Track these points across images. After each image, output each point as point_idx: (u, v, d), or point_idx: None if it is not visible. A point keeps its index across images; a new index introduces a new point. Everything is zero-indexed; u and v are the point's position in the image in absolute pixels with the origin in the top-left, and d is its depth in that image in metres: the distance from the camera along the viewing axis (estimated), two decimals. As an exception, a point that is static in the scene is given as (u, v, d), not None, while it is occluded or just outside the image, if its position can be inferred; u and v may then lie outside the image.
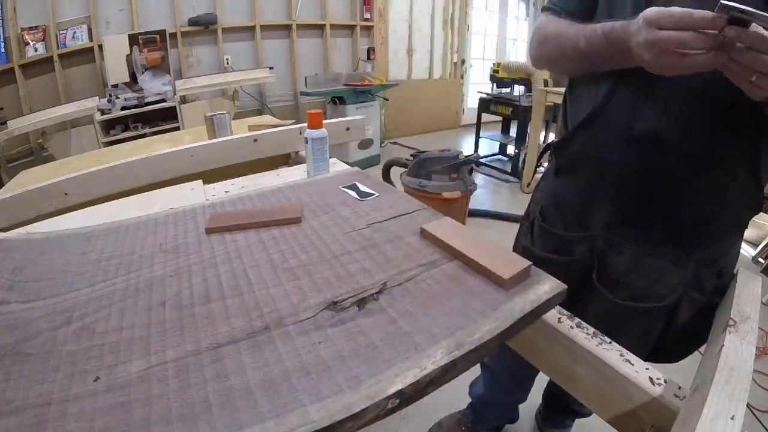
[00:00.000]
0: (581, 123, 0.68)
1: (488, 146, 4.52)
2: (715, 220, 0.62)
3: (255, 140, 1.12)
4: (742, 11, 0.40)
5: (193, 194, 0.83)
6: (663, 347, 0.68)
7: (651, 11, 0.48)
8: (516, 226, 0.94)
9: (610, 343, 0.48)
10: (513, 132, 4.06)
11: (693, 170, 0.59)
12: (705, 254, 0.64)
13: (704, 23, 0.44)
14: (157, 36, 3.15)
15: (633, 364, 0.45)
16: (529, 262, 0.50)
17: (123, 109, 2.95)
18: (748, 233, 2.64)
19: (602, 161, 0.67)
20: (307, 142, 0.90)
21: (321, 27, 4.22)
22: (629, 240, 0.67)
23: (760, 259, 2.41)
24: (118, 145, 2.03)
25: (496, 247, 0.54)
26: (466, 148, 4.64)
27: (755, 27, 0.41)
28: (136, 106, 2.99)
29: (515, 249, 0.89)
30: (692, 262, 0.64)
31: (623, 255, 0.67)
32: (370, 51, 4.46)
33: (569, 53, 0.65)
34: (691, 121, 0.57)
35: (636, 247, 0.67)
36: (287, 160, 1.25)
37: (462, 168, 2.07)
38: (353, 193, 0.78)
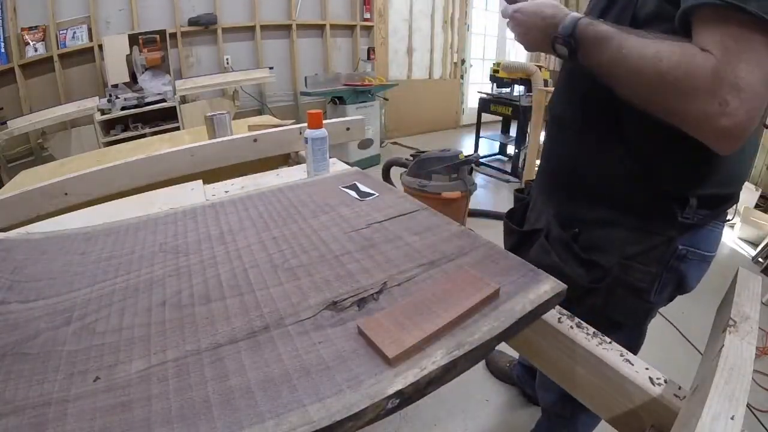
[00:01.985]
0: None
1: (488, 146, 4.52)
2: (573, 177, 0.72)
3: (255, 140, 1.12)
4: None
5: (193, 194, 0.83)
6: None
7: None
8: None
9: (610, 343, 0.48)
10: (513, 132, 4.05)
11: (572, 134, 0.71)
12: (560, 208, 0.75)
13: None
14: (157, 36, 3.15)
15: (633, 364, 0.45)
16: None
17: (123, 109, 2.95)
18: (747, 233, 2.65)
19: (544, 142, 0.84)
20: (307, 142, 0.90)
21: (321, 27, 4.22)
22: (537, 187, 0.86)
23: (759, 259, 2.41)
24: (118, 145, 2.03)
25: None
26: (466, 148, 4.64)
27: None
28: (136, 106, 2.99)
29: None
30: (551, 209, 0.77)
31: (532, 198, 0.87)
32: (370, 51, 4.46)
33: None
34: (570, 99, 0.72)
35: (536, 192, 0.85)
36: (287, 160, 1.25)
37: (462, 168, 2.07)
38: (353, 193, 0.78)
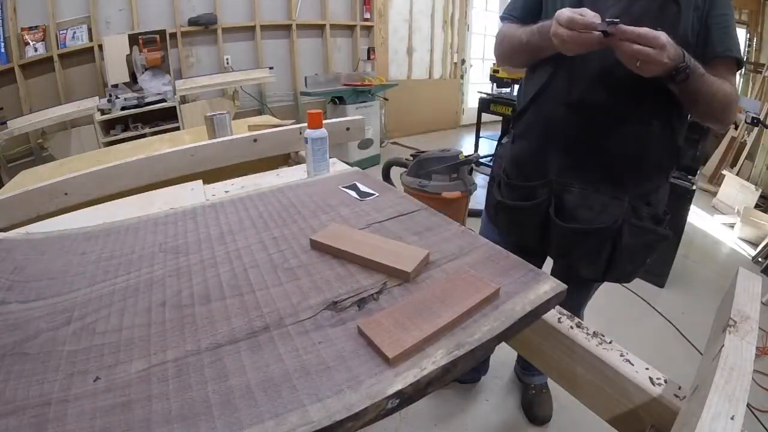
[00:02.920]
0: (532, 98, 0.91)
1: (488, 146, 4.51)
2: (639, 161, 0.84)
3: (255, 140, 1.12)
4: (612, 21, 0.66)
5: (193, 194, 0.83)
6: (613, 266, 0.87)
7: (560, 12, 0.71)
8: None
9: (610, 342, 0.48)
10: (513, 132, 4.04)
11: (615, 122, 0.82)
12: (637, 190, 0.85)
13: (582, 24, 0.68)
14: (157, 36, 3.15)
15: (633, 364, 0.45)
16: (427, 252, 0.54)
17: (123, 109, 2.95)
18: (747, 233, 2.65)
19: (549, 124, 0.89)
20: (307, 142, 0.90)
21: (321, 27, 4.22)
22: (577, 181, 0.87)
23: (759, 259, 2.41)
24: (118, 145, 2.03)
25: (392, 244, 0.56)
26: (466, 148, 4.64)
27: (621, 26, 0.66)
28: (136, 106, 2.99)
29: (488, 202, 1.09)
30: (628, 195, 0.84)
31: (572, 193, 0.88)
32: (370, 51, 4.46)
33: (517, 48, 0.88)
34: (608, 88, 0.80)
35: (582, 186, 0.87)
36: (287, 160, 1.25)
37: (462, 168, 2.07)
38: (353, 193, 0.78)
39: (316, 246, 0.58)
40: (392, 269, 0.51)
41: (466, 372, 1.36)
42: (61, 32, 2.99)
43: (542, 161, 0.91)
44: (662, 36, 0.65)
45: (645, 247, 0.86)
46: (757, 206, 2.88)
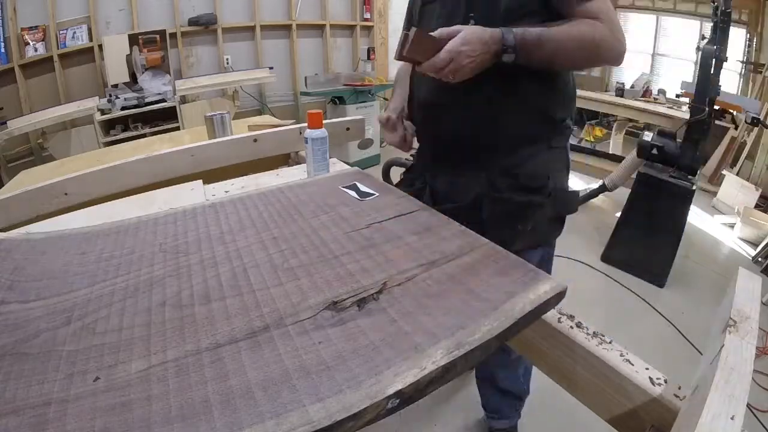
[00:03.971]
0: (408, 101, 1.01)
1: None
2: (491, 139, 0.87)
3: (255, 140, 1.12)
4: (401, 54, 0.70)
5: (193, 194, 0.83)
6: (487, 235, 0.82)
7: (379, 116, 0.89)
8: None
9: (610, 342, 0.48)
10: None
11: (448, 112, 0.87)
12: (496, 165, 0.88)
13: (389, 126, 0.93)
14: (157, 36, 3.15)
15: (633, 364, 0.45)
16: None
17: (123, 109, 2.95)
18: (747, 233, 2.65)
19: (416, 125, 0.97)
20: (307, 143, 0.90)
21: (321, 27, 4.22)
22: (442, 169, 0.96)
23: (759, 259, 2.41)
24: (118, 145, 2.03)
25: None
26: (466, 148, 4.63)
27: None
28: (136, 106, 2.99)
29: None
30: (485, 171, 0.88)
31: (439, 180, 0.97)
32: (370, 51, 4.46)
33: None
34: (437, 84, 0.81)
35: (448, 173, 0.95)
36: (287, 160, 1.25)
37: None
38: (353, 193, 0.78)
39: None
40: None
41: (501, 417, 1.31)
42: (61, 32, 2.99)
43: (421, 156, 1.04)
44: (454, 43, 0.69)
45: (510, 215, 0.87)
46: (757, 206, 2.88)
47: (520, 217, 0.88)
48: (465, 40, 0.69)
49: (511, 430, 1.33)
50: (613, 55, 0.79)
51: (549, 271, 1.16)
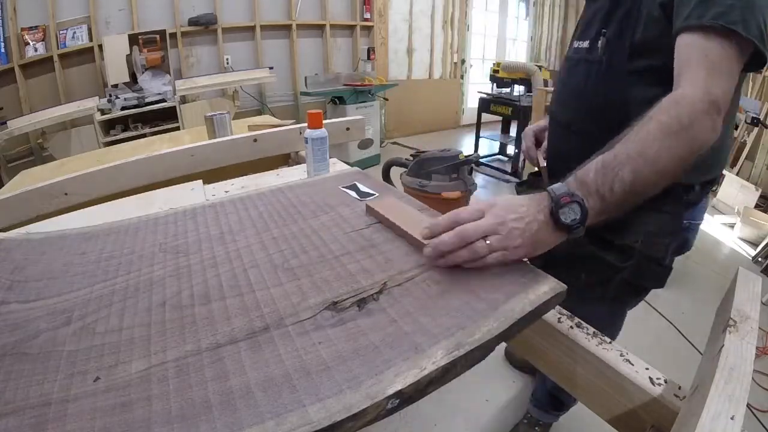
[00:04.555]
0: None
1: (488, 146, 4.52)
2: None
3: (255, 140, 1.12)
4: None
5: (193, 194, 0.83)
6: (549, 269, 0.66)
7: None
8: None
9: (610, 342, 0.48)
10: (513, 132, 4.06)
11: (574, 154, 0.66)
12: None
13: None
14: (157, 36, 3.15)
15: (633, 364, 0.45)
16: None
17: (123, 109, 2.95)
18: (747, 233, 2.65)
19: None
20: (307, 143, 0.90)
21: (321, 27, 4.22)
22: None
23: (759, 259, 2.41)
24: (118, 145, 2.03)
25: (428, 219, 0.61)
26: (466, 148, 4.64)
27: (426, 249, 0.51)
28: (136, 106, 2.99)
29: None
30: None
31: None
32: (370, 51, 4.46)
33: None
34: (571, 104, 0.79)
35: None
36: (287, 160, 1.25)
37: (462, 168, 2.07)
38: (353, 193, 0.78)
39: (370, 212, 0.68)
40: (413, 239, 0.57)
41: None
42: (61, 32, 2.99)
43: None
44: (470, 222, 0.49)
45: (575, 260, 0.73)
46: (757, 206, 2.88)
47: (585, 268, 0.76)
48: (497, 208, 0.50)
49: (542, 425, 1.34)
50: (711, 137, 0.54)
51: (615, 331, 1.09)
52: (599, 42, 0.71)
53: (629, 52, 0.66)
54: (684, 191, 0.74)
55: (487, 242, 0.49)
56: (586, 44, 0.75)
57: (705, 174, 0.75)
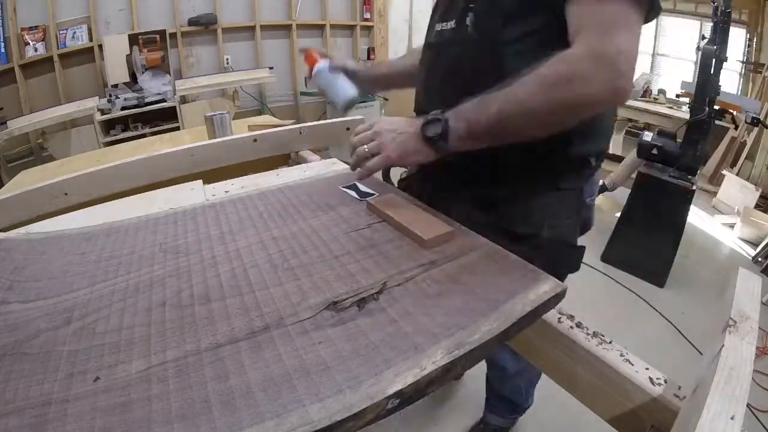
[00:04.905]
0: None
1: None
2: (472, 163, 0.68)
3: (255, 140, 1.12)
4: None
5: (193, 194, 0.83)
6: None
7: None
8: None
9: (610, 342, 0.48)
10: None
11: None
12: (477, 194, 0.74)
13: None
14: (157, 36, 3.15)
15: (633, 364, 0.45)
16: (452, 228, 0.59)
17: (123, 109, 2.95)
18: (747, 233, 2.65)
19: None
20: (320, 77, 0.94)
21: (321, 27, 4.22)
22: (430, 183, 0.83)
23: (759, 259, 2.41)
24: (118, 145, 2.03)
25: (429, 216, 0.64)
26: (466, 148, 4.64)
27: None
28: (136, 106, 2.99)
29: None
30: (461, 201, 0.74)
31: (427, 195, 0.82)
32: (370, 51, 4.46)
33: None
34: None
35: (431, 189, 0.81)
36: (287, 160, 1.25)
37: (462, 168, 2.06)
38: (353, 193, 0.77)
39: (372, 209, 0.69)
40: (414, 234, 0.59)
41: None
42: (61, 32, 2.99)
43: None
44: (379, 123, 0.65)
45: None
46: (757, 206, 2.88)
47: None
48: (382, 125, 0.65)
49: (502, 430, 1.33)
50: (597, 91, 0.54)
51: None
52: (467, 19, 0.67)
53: (502, 21, 0.63)
54: (580, 164, 0.73)
55: (366, 149, 0.65)
56: (452, 24, 0.70)
57: (597, 142, 0.73)
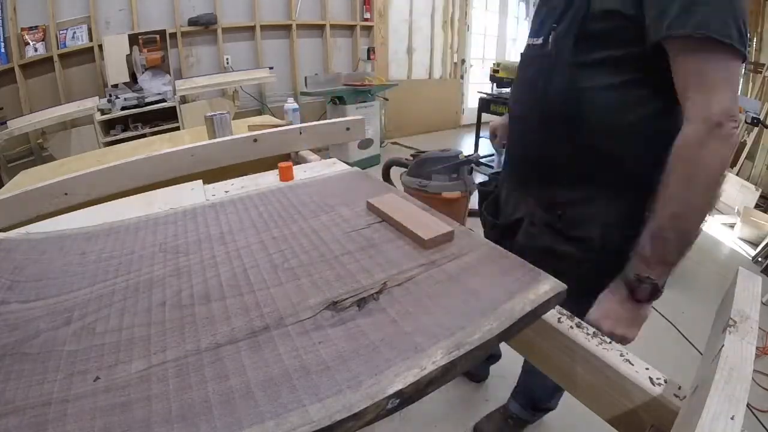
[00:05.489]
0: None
1: (488, 146, 4.51)
2: (545, 163, 0.79)
3: (255, 140, 1.12)
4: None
5: (193, 194, 0.83)
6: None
7: None
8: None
9: (610, 342, 0.48)
10: (513, 132, 4.03)
11: (525, 128, 0.83)
12: (543, 194, 0.81)
13: None
14: (157, 36, 3.15)
15: (633, 364, 0.45)
16: (452, 228, 0.60)
17: (123, 109, 2.95)
18: (747, 233, 2.64)
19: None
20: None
21: (321, 27, 4.22)
22: (509, 180, 0.94)
23: (759, 259, 2.41)
24: (118, 145, 2.03)
25: (428, 215, 0.64)
26: (466, 148, 4.64)
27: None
28: (136, 106, 2.99)
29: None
30: (531, 198, 0.84)
31: (503, 190, 0.96)
32: (370, 51, 4.46)
33: None
34: (522, 97, 0.83)
35: (509, 186, 0.93)
36: (287, 160, 1.25)
37: (462, 168, 2.07)
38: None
39: (371, 209, 0.69)
40: (414, 234, 0.59)
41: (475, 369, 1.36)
42: (61, 32, 2.99)
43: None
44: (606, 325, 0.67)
45: (539, 254, 0.69)
46: (757, 206, 2.88)
47: (548, 263, 0.70)
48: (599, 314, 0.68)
49: (519, 421, 1.32)
50: (720, 154, 0.57)
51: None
52: (550, 37, 0.75)
53: (573, 44, 0.69)
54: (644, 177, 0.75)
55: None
56: (539, 41, 0.78)
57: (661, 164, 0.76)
